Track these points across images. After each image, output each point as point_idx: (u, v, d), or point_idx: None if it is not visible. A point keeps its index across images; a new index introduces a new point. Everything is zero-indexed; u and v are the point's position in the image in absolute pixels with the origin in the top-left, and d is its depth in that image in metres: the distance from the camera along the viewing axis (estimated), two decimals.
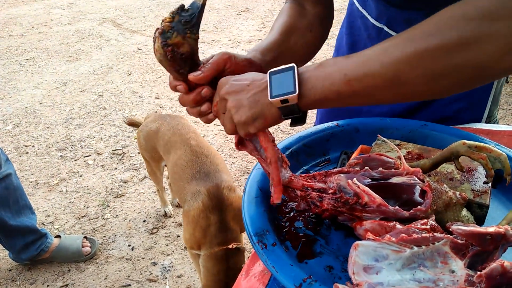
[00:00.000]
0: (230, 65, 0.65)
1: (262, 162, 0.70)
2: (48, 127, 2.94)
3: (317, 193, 0.68)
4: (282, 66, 0.57)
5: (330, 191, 0.68)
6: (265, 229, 0.66)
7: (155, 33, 0.60)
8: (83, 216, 2.14)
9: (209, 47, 4.26)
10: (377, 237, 0.60)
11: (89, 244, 1.90)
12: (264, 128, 0.61)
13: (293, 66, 0.56)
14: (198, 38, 0.61)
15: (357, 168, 0.71)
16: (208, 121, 0.68)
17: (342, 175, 0.69)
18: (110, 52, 4.19)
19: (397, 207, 0.63)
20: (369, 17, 0.98)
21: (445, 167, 0.80)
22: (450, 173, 0.78)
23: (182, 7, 0.60)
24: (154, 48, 0.61)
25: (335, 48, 1.16)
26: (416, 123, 0.93)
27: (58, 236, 1.90)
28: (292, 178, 0.69)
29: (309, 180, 0.71)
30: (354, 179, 0.66)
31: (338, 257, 0.66)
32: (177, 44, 0.59)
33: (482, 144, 0.71)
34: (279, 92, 0.55)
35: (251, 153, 0.70)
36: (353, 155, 0.81)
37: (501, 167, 0.70)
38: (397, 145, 0.88)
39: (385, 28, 0.93)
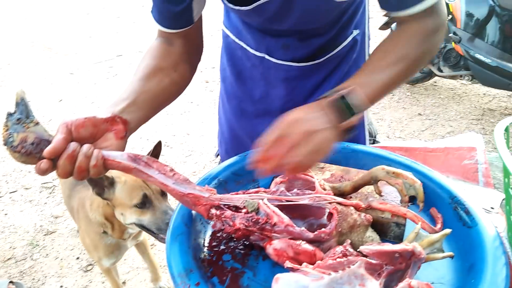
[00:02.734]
0: (85, 124, 0.66)
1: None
2: None
3: (231, 212, 0.68)
4: (347, 88, 0.72)
5: (243, 210, 0.68)
6: (189, 268, 0.65)
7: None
8: (9, 259, 1.97)
9: None
10: (296, 266, 0.61)
11: None
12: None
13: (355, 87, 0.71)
14: (37, 121, 0.65)
15: (274, 189, 0.73)
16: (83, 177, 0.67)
17: (254, 195, 0.70)
18: (39, 77, 3.97)
19: (303, 228, 0.65)
20: (248, 48, 1.03)
21: (365, 188, 0.83)
22: (370, 193, 0.82)
23: (9, 114, 0.64)
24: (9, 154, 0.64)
25: (221, 79, 1.19)
26: (339, 145, 0.97)
27: None
28: (211, 196, 0.69)
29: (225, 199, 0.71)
30: (265, 199, 0.67)
31: None
32: (24, 139, 0.63)
33: (399, 171, 0.75)
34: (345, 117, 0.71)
35: (220, 222, 0.69)
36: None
37: (415, 194, 0.74)
38: (322, 168, 0.91)
39: (266, 57, 1.00)
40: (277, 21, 0.90)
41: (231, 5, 0.88)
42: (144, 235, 1.59)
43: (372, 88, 0.73)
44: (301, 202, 0.70)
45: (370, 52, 0.98)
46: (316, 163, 0.69)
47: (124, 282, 1.80)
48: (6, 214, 2.26)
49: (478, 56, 3.05)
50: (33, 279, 1.87)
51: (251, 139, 1.13)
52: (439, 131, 3.06)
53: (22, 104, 0.64)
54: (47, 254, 2.00)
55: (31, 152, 0.63)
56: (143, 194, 1.20)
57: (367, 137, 1.12)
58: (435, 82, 3.81)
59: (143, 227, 1.25)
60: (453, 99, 3.55)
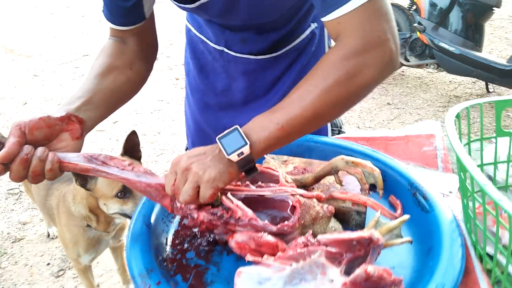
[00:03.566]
0: (38, 126, 0.64)
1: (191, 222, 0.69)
2: None
3: (195, 206, 0.67)
4: (226, 131, 0.64)
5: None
6: (149, 268, 0.64)
7: None
8: None
9: None
10: (257, 259, 0.61)
11: None
12: (230, 182, 0.65)
13: (236, 127, 0.64)
14: None
15: (239, 183, 0.72)
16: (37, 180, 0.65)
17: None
18: (1, 80, 3.82)
19: (266, 221, 0.65)
20: (208, 41, 1.04)
21: (327, 178, 0.84)
22: (331, 184, 0.83)
23: None
24: None
25: (185, 73, 1.19)
26: (302, 137, 0.97)
27: None
28: None
29: None
30: (228, 193, 0.67)
31: (229, 283, 0.66)
32: None
33: (358, 160, 0.77)
34: (234, 148, 0.63)
35: (184, 214, 0.69)
36: None
37: (374, 182, 0.76)
38: (285, 161, 0.91)
39: (225, 50, 1.01)
40: (226, 18, 0.90)
41: (175, 3, 0.87)
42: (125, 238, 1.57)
43: (264, 129, 0.64)
44: (264, 194, 0.71)
45: (331, 44, 0.99)
46: (209, 195, 0.64)
47: (98, 285, 1.76)
48: None
49: (442, 44, 3.14)
50: (2, 287, 1.82)
51: (216, 132, 1.13)
52: (408, 119, 3.13)
53: None
54: (16, 262, 1.94)
55: None
56: (122, 185, 1.19)
57: (329, 128, 1.14)
58: (403, 71, 3.89)
59: (126, 216, 1.25)
60: (420, 87, 3.64)
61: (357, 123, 3.11)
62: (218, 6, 0.84)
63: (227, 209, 0.66)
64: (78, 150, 0.70)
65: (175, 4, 0.88)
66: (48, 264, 1.93)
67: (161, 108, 3.31)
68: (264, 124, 0.65)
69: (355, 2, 0.62)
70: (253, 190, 0.70)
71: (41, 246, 2.03)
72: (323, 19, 0.68)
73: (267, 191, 0.70)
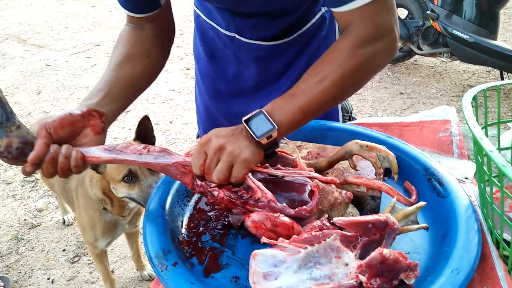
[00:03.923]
0: (62, 125, 0.68)
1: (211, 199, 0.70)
2: None
3: (216, 184, 0.68)
4: (251, 114, 0.67)
5: None
6: (166, 249, 0.65)
7: None
8: None
9: None
10: (272, 241, 0.61)
11: (2, 284, 1.74)
12: (257, 163, 0.68)
13: (262, 111, 0.67)
14: (19, 124, 0.66)
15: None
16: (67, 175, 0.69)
17: None
18: (15, 70, 3.87)
19: (284, 204, 0.66)
20: (218, 27, 1.03)
21: (341, 163, 0.84)
22: (346, 169, 0.83)
23: None
24: None
25: (195, 59, 1.19)
26: (316, 123, 0.97)
27: None
28: None
29: None
30: (250, 174, 0.68)
31: (244, 266, 0.67)
32: (8, 145, 0.64)
33: (372, 144, 0.76)
34: (263, 131, 0.66)
35: (204, 192, 0.70)
36: None
37: (389, 166, 0.75)
38: (298, 146, 0.91)
39: (236, 36, 1.00)
40: (239, 5, 0.90)
41: None
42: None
43: (287, 112, 0.68)
44: (284, 176, 0.71)
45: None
46: (243, 174, 0.66)
47: (112, 271, 1.80)
48: None
49: (456, 32, 3.08)
50: (20, 272, 1.86)
51: (227, 119, 1.14)
52: (421, 108, 3.10)
53: (2, 107, 0.64)
54: (32, 248, 1.98)
55: (17, 156, 0.65)
56: (128, 169, 1.22)
57: (340, 113, 1.13)
58: (416, 60, 3.84)
59: (134, 200, 1.27)
60: (434, 76, 3.59)
61: (370, 112, 3.08)
62: None
63: (247, 189, 0.67)
64: (102, 143, 0.73)
65: None
66: (64, 250, 1.97)
67: (172, 98, 3.32)
68: (286, 107, 0.68)
69: None
70: (274, 171, 0.71)
71: (56, 232, 2.07)
72: (334, 9, 0.72)
73: (287, 173, 0.70)
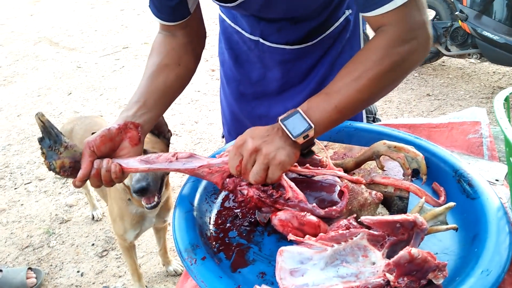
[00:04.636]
0: (103, 142, 0.74)
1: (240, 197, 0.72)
2: None
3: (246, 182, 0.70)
4: (287, 113, 0.68)
5: None
6: (195, 244, 0.67)
7: None
8: (26, 247, 2.03)
9: None
10: (299, 239, 0.62)
11: (34, 275, 1.81)
12: (293, 164, 0.69)
13: (298, 110, 0.68)
14: (66, 144, 0.73)
15: None
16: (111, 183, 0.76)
17: None
18: (47, 72, 4.01)
19: (314, 204, 0.66)
20: (243, 32, 1.05)
21: (368, 163, 0.84)
22: (373, 169, 0.83)
23: (39, 139, 0.73)
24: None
25: (220, 63, 1.21)
26: (342, 123, 0.97)
27: (0, 270, 1.79)
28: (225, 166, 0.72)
29: None
30: (283, 174, 0.68)
31: (270, 262, 0.68)
32: (62, 165, 0.73)
33: (400, 144, 0.76)
34: (299, 130, 0.66)
35: (234, 191, 0.72)
36: None
37: (418, 167, 0.75)
38: (325, 146, 0.92)
39: (261, 40, 1.02)
40: (264, 12, 0.92)
41: (216, 2, 0.89)
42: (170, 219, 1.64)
43: (323, 111, 0.68)
44: (315, 177, 0.72)
45: (366, 30, 0.97)
46: (278, 176, 0.67)
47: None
48: (22, 205, 2.31)
49: (485, 33, 2.99)
50: (51, 265, 1.93)
51: (251, 121, 1.16)
52: (448, 110, 3.03)
53: (45, 129, 0.72)
54: (63, 242, 2.06)
55: (70, 174, 0.74)
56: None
57: (364, 115, 1.12)
58: (443, 62, 3.75)
59: (129, 188, 1.29)
60: (462, 78, 3.50)
61: (395, 114, 3.04)
62: (257, 4, 0.86)
63: (277, 188, 0.68)
64: (139, 153, 0.78)
65: (215, 2, 0.90)
66: (93, 244, 2.03)
67: (198, 99, 3.37)
68: (322, 106, 0.68)
69: (399, 0, 0.66)
70: (304, 170, 0.72)
71: (86, 227, 2.13)
72: (365, 14, 0.72)
73: (317, 173, 0.71)
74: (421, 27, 0.70)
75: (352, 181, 0.72)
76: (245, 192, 0.69)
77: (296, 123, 0.66)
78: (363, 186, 0.70)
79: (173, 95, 0.88)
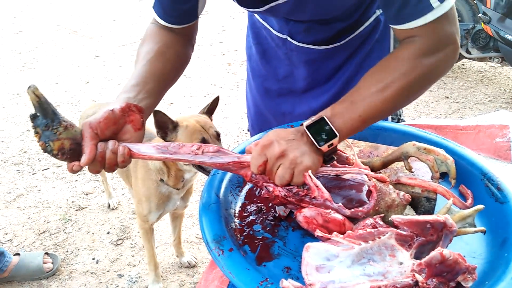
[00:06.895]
0: (107, 125, 0.68)
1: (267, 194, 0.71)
2: (2, 141, 2.81)
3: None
4: (312, 119, 0.68)
5: None
6: (222, 235, 0.67)
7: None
8: (43, 232, 2.07)
9: None
10: (326, 235, 0.62)
11: (50, 260, 1.84)
12: (317, 169, 0.70)
13: (323, 117, 0.68)
14: (66, 124, 0.64)
15: None
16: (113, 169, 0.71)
17: None
18: (65, 60, 4.06)
19: (340, 204, 0.66)
20: (271, 29, 1.04)
21: (395, 164, 0.83)
22: (399, 169, 0.82)
23: (31, 116, 0.63)
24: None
25: (247, 57, 1.20)
26: None
27: (17, 254, 1.82)
28: None
29: None
30: (309, 172, 0.68)
31: (295, 257, 0.68)
32: (61, 147, 0.64)
33: (430, 147, 0.75)
34: (325, 139, 0.67)
35: (261, 185, 0.72)
36: None
37: (447, 170, 0.74)
38: (350, 144, 0.91)
39: (288, 39, 1.01)
40: (294, 16, 0.91)
41: (243, 8, 0.88)
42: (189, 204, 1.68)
43: (347, 120, 0.69)
44: (342, 175, 0.72)
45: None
46: (302, 180, 0.67)
47: None
48: (39, 190, 2.35)
49: (509, 37, 2.94)
50: (67, 251, 1.96)
51: (274, 117, 1.16)
52: (467, 114, 2.99)
53: (40, 105, 0.62)
54: (79, 228, 2.09)
55: (71, 156, 0.66)
56: (202, 138, 1.29)
57: (389, 117, 1.11)
58: (463, 64, 3.70)
59: (199, 167, 1.33)
60: (482, 82, 3.45)
61: (413, 115, 3.01)
62: (286, 8, 0.85)
63: (303, 187, 0.68)
64: (141, 139, 0.74)
65: (242, 8, 0.89)
66: (108, 232, 2.05)
67: (214, 92, 3.38)
68: (347, 115, 0.69)
69: (430, 16, 0.66)
70: (331, 170, 0.71)
71: (102, 215, 2.16)
72: (394, 27, 0.72)
73: (345, 171, 0.71)
74: (450, 39, 0.70)
75: (378, 179, 0.72)
76: (271, 189, 0.69)
77: (321, 131, 0.67)
78: (391, 187, 0.70)
79: (168, 84, 0.84)
